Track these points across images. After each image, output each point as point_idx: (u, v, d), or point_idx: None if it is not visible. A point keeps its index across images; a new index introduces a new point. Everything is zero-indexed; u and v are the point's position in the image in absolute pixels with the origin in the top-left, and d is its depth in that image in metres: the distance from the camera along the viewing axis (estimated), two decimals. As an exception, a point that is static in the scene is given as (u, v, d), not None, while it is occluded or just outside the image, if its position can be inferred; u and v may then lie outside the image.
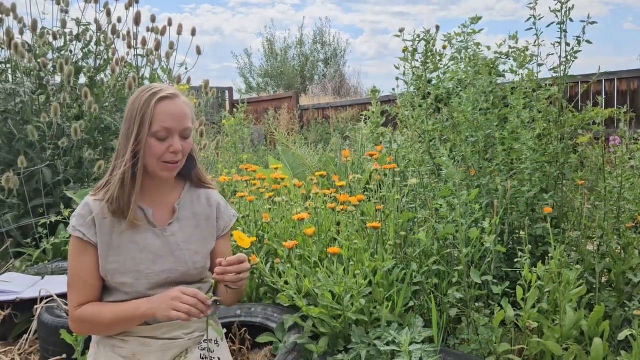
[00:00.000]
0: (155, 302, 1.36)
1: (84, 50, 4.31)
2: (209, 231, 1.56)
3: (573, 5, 2.24)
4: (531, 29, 2.35)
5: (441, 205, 2.00)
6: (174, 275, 1.45)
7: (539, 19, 2.32)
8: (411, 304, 1.98)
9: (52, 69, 4.01)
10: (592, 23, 2.22)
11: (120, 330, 1.42)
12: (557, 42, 2.29)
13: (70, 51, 4.28)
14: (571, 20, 2.27)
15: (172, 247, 1.47)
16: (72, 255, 1.43)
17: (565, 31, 2.28)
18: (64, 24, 4.20)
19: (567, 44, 2.29)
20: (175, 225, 1.50)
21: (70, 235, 1.43)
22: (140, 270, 1.42)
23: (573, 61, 2.29)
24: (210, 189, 1.62)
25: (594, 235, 2.25)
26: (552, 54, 2.33)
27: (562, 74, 2.32)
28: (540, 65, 2.39)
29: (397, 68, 2.61)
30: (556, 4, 2.26)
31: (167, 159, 1.42)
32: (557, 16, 2.27)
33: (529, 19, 2.33)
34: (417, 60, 2.58)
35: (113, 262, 1.41)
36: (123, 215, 1.42)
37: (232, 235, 1.50)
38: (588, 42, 2.25)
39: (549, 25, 2.29)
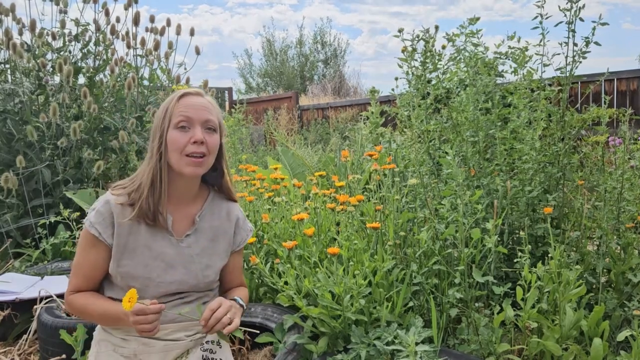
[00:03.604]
0: (129, 316, 1.30)
1: (83, 51, 4.31)
2: (224, 246, 1.54)
3: (584, 5, 2.19)
4: (537, 27, 2.30)
5: (443, 205, 2.00)
6: (183, 287, 1.45)
7: (546, 17, 2.28)
8: (411, 304, 1.98)
9: (51, 69, 4.00)
10: (604, 24, 2.18)
11: (106, 326, 1.46)
12: (565, 42, 2.25)
13: (69, 51, 4.28)
14: (581, 19, 2.22)
15: (186, 259, 1.46)
16: (81, 247, 1.43)
17: (574, 31, 2.23)
18: (62, 24, 4.19)
19: (575, 44, 2.24)
20: (192, 237, 1.48)
21: (79, 227, 1.43)
22: (151, 277, 1.41)
23: (580, 62, 2.25)
24: (234, 202, 1.60)
25: (594, 236, 2.25)
26: (558, 54, 2.30)
27: (567, 75, 2.29)
28: (546, 65, 2.35)
29: (401, 67, 2.60)
30: (567, 3, 2.22)
31: (190, 150, 1.38)
32: (565, 15, 2.24)
33: (536, 17, 2.29)
34: (417, 60, 2.58)
35: (125, 265, 1.40)
36: (147, 218, 1.40)
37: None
38: (597, 43, 2.21)
39: (557, 25, 2.25)
